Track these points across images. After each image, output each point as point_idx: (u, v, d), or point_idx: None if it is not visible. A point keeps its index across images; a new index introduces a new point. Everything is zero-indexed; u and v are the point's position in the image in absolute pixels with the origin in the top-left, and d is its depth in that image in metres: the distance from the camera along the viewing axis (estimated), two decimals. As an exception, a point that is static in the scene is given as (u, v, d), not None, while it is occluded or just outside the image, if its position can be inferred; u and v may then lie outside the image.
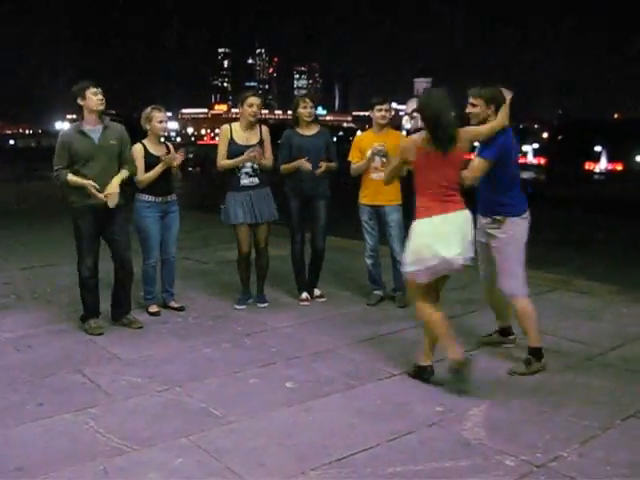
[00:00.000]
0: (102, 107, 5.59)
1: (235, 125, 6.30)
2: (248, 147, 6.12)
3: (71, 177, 5.51)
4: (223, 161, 6.20)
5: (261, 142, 6.23)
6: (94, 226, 5.62)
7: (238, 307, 6.48)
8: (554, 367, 4.97)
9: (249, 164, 6.17)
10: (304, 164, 6.31)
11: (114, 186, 5.55)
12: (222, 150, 6.22)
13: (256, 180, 6.23)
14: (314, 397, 4.44)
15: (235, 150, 6.14)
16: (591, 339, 5.59)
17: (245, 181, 6.21)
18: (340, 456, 3.64)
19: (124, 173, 5.67)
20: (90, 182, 5.49)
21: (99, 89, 5.56)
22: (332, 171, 6.54)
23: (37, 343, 5.51)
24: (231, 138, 6.20)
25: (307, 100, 6.52)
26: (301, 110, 6.47)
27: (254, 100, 6.22)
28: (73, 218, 5.64)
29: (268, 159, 6.30)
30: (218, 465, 3.56)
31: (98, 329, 5.70)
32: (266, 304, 6.55)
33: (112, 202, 5.53)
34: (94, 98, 5.52)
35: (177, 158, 6.09)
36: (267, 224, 6.37)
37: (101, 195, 5.49)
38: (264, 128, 6.44)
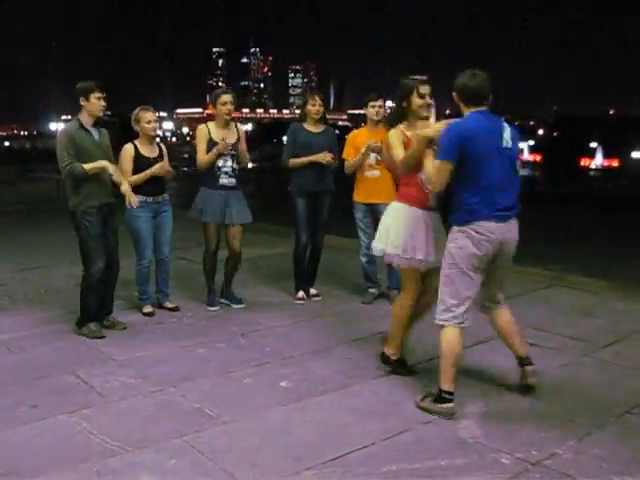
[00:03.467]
0: (101, 113, 5.58)
1: (211, 124, 6.27)
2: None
3: (87, 165, 5.42)
4: (203, 156, 6.14)
5: (238, 140, 6.22)
6: (101, 226, 5.58)
7: (211, 309, 6.45)
8: (550, 364, 4.96)
9: (229, 163, 6.15)
10: (325, 157, 6.33)
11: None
12: (202, 148, 6.18)
13: (234, 181, 6.21)
14: (309, 396, 4.42)
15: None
16: (586, 335, 5.59)
17: (224, 180, 6.17)
18: (335, 455, 3.62)
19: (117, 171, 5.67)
20: (107, 164, 5.50)
21: (103, 94, 5.55)
22: (333, 168, 6.56)
23: (30, 345, 5.48)
24: (210, 137, 6.17)
25: (316, 97, 6.51)
26: (310, 107, 6.46)
27: (227, 98, 6.17)
28: (78, 221, 5.53)
29: (246, 157, 6.33)
30: (212, 466, 3.54)
31: (99, 332, 5.65)
32: (242, 305, 6.50)
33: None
34: (97, 103, 5.51)
35: (165, 170, 6.06)
36: (241, 227, 6.34)
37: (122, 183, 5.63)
38: (239, 126, 6.45)
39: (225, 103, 6.15)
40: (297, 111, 6.59)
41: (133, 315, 6.21)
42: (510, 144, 4.14)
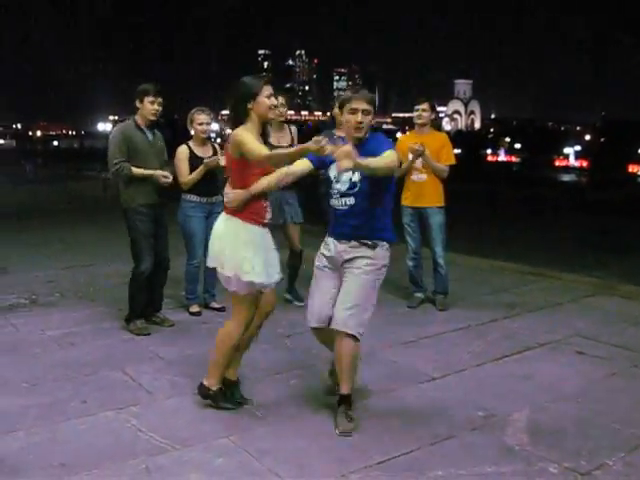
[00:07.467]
0: (154, 118, 5.67)
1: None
2: (279, 148, 6.13)
3: (135, 169, 5.55)
4: None
5: (292, 142, 6.25)
6: (152, 225, 5.69)
7: None
8: (599, 373, 4.90)
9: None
10: None
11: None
12: None
13: None
14: (355, 400, 4.41)
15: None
16: (636, 345, 5.49)
17: None
18: (380, 459, 3.62)
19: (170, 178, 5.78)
20: (158, 171, 5.62)
21: (158, 98, 5.63)
22: None
23: (80, 341, 5.58)
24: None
25: None
26: None
27: (279, 99, 6.19)
28: (130, 219, 5.65)
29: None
30: (259, 466, 3.56)
31: (145, 329, 5.76)
32: (302, 303, 6.55)
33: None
34: (149, 107, 5.61)
35: (220, 160, 6.12)
36: (299, 225, 6.40)
37: (168, 179, 5.67)
38: (293, 129, 6.48)
39: (276, 106, 6.17)
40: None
41: (180, 314, 6.29)
42: None
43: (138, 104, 5.62)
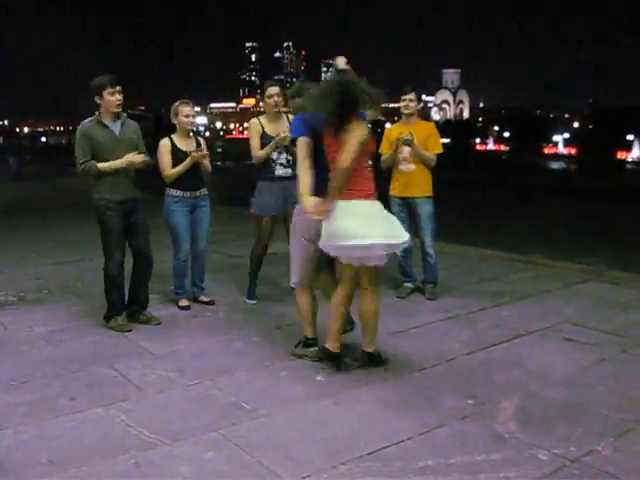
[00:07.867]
0: (119, 109, 5.52)
1: (262, 118, 6.27)
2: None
3: (102, 165, 5.44)
4: (258, 152, 6.14)
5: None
6: (121, 221, 5.58)
7: (250, 302, 6.47)
8: (588, 359, 4.91)
9: (284, 155, 6.13)
10: None
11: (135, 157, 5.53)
12: (255, 143, 6.18)
13: (290, 171, 6.17)
14: (345, 390, 4.42)
15: (268, 142, 6.12)
16: (626, 331, 5.51)
17: (280, 172, 6.17)
18: (371, 450, 3.62)
19: (146, 158, 5.63)
20: (128, 155, 5.47)
21: (117, 87, 5.45)
22: None
23: (69, 338, 5.55)
24: (263, 131, 6.18)
25: None
26: None
27: (272, 90, 6.18)
28: (99, 215, 5.57)
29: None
30: (249, 459, 3.55)
31: (126, 326, 5.69)
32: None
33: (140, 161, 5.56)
34: (111, 99, 5.44)
35: (205, 155, 6.08)
36: None
37: (143, 158, 5.55)
38: (291, 117, 6.43)
39: (271, 95, 6.16)
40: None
41: (169, 309, 6.26)
42: None
43: (98, 100, 5.46)
